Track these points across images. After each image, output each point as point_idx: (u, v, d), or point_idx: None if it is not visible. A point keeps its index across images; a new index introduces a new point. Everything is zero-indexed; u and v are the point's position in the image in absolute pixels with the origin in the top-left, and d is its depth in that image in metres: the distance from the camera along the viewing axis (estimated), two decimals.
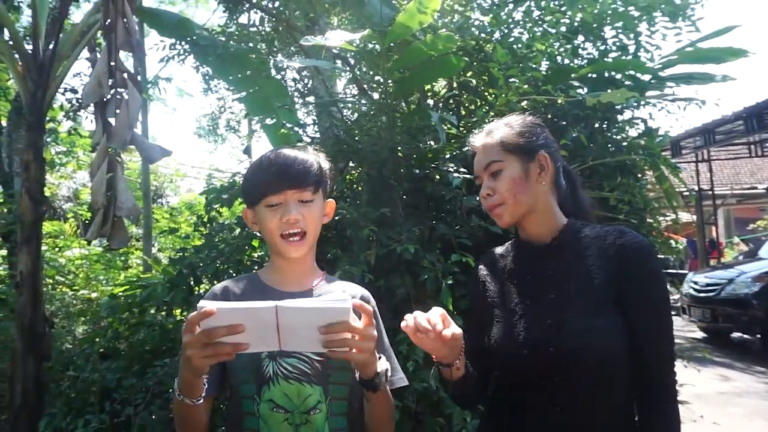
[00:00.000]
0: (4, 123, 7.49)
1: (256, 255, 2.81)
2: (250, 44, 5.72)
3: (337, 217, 2.42)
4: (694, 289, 7.91)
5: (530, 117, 1.36)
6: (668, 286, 1.20)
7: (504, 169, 1.26)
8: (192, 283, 2.76)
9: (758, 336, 7.13)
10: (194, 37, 3.76)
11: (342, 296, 0.98)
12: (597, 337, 1.12)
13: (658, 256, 1.19)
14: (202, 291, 2.81)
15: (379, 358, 1.10)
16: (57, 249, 6.84)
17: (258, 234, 2.36)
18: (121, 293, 3.52)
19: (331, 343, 0.95)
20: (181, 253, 2.89)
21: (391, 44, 2.64)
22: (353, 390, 1.20)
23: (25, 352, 3.14)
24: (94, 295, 5.51)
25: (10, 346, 3.28)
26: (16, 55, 3.39)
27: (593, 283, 1.17)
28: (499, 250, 1.41)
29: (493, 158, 1.27)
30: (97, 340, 3.36)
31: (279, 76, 5.59)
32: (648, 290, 1.15)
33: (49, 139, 8.28)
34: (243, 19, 6.15)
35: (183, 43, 4.53)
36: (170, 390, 1.18)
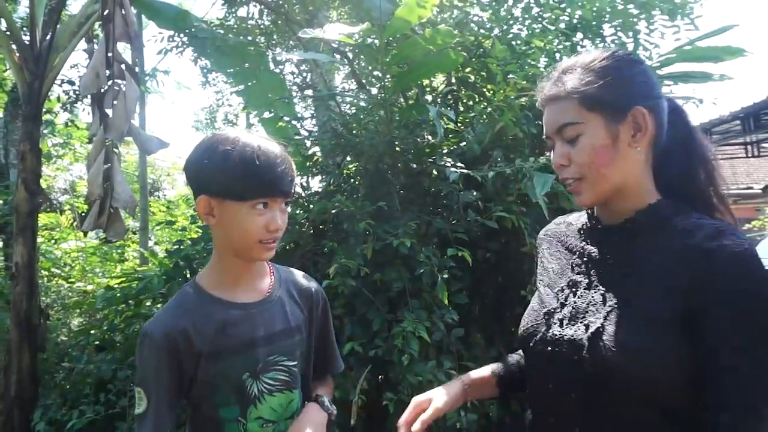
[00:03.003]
0: (0, 114, 7.46)
1: None
2: (249, 37, 5.71)
3: (334, 211, 2.42)
4: None
5: (620, 52, 0.97)
6: None
7: (583, 134, 0.92)
8: (188, 275, 2.76)
9: None
10: (193, 30, 3.74)
11: None
12: (636, 360, 0.83)
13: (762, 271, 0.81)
14: None
15: (321, 397, 1.23)
16: (53, 241, 6.83)
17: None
18: (117, 285, 3.52)
19: None
20: (178, 246, 2.89)
21: (390, 38, 2.63)
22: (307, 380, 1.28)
23: (20, 343, 3.14)
24: (90, 287, 5.49)
25: (5, 338, 3.27)
26: (13, 46, 3.38)
27: (657, 289, 0.86)
28: (570, 218, 1.13)
29: (568, 120, 0.93)
30: (93, 332, 3.36)
31: (277, 70, 5.59)
32: (731, 316, 0.80)
33: (45, 131, 8.26)
34: (242, 11, 6.15)
35: (181, 35, 4.52)
36: None
